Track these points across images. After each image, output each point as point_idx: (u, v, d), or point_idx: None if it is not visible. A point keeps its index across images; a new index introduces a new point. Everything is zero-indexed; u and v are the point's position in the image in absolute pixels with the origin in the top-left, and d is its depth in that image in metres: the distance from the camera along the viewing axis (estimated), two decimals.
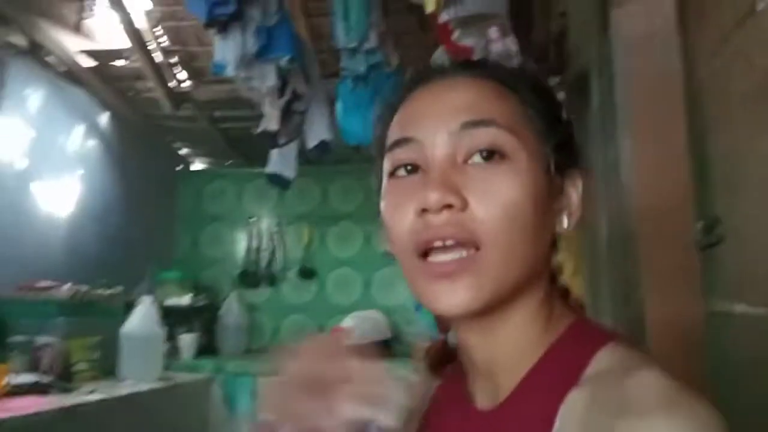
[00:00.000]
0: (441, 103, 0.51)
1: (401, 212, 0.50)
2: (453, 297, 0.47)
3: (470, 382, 0.56)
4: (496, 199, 0.47)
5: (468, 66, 0.56)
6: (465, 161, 0.49)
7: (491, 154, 0.49)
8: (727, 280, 1.01)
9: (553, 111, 0.55)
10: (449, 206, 0.47)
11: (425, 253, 0.49)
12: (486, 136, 0.49)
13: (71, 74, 2.82)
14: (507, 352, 0.51)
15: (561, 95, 2.47)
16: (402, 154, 0.51)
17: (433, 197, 0.47)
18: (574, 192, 0.55)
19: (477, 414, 0.53)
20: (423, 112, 0.51)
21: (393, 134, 0.53)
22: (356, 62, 2.10)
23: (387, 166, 0.53)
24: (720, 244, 1.03)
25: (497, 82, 0.53)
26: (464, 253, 0.48)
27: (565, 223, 0.54)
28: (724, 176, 1.01)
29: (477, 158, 0.49)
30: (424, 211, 0.48)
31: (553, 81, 2.30)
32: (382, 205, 0.53)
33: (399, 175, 0.52)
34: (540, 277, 0.53)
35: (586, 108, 1.93)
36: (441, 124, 0.50)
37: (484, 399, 0.53)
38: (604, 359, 0.46)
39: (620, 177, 1.41)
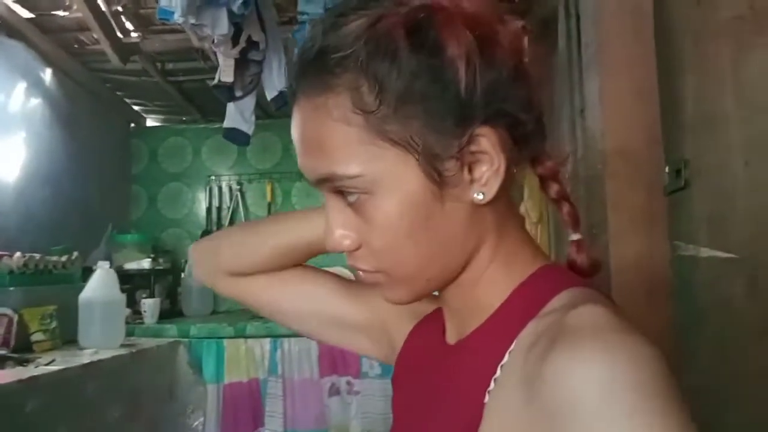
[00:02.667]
0: (296, 145, 0.51)
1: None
2: (387, 298, 0.53)
3: (446, 319, 0.58)
4: (378, 231, 0.47)
5: (309, 73, 0.47)
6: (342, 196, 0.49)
7: (351, 196, 0.48)
8: (693, 223, 1.00)
9: (428, 72, 0.44)
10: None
11: None
12: (338, 187, 0.48)
13: (7, 26, 2.62)
14: (474, 300, 0.53)
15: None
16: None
17: (328, 245, 0.50)
18: (483, 156, 0.46)
19: (443, 345, 0.56)
20: (296, 149, 0.51)
21: None
22: (314, 5, 1.98)
23: None
24: (687, 188, 1.02)
25: (337, 86, 0.45)
26: (378, 275, 0.51)
27: (480, 195, 0.47)
28: (694, 117, 0.98)
29: (348, 199, 0.49)
30: None
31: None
32: None
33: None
34: (476, 249, 0.51)
35: (552, 52, 1.88)
36: (304, 171, 0.50)
37: (453, 336, 0.56)
38: (563, 298, 0.46)
39: (586, 121, 1.39)
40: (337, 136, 0.45)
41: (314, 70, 0.46)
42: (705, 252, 0.93)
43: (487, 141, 0.46)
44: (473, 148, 0.46)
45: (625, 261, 1.17)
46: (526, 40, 0.49)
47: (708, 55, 0.91)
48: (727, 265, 0.85)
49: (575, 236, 0.54)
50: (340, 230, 0.49)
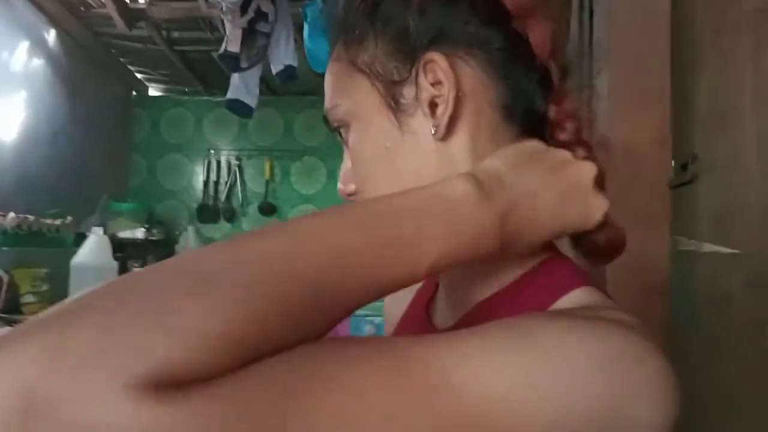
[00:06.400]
0: None
1: None
2: None
3: (436, 298, 0.57)
4: (357, 167, 0.49)
5: (332, 26, 0.51)
6: None
7: (338, 132, 0.50)
8: (697, 219, 0.99)
9: (383, 12, 0.46)
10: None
11: None
12: (332, 124, 0.51)
13: None
14: (467, 279, 0.49)
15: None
16: None
17: (339, 190, 0.52)
18: (434, 82, 0.45)
19: (432, 330, 0.54)
20: None
21: None
22: None
23: None
24: (693, 182, 1.01)
25: (342, 30, 0.50)
26: None
27: (433, 129, 0.45)
28: (708, 113, 0.97)
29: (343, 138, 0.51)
30: None
31: None
32: None
33: None
34: None
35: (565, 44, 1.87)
36: None
37: (442, 316, 0.54)
38: (565, 304, 0.41)
39: (593, 117, 1.38)
40: (334, 72, 0.50)
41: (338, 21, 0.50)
42: (707, 247, 0.92)
43: (438, 68, 0.44)
44: (430, 78, 0.45)
45: (621, 257, 1.16)
46: None
47: (727, 49, 0.90)
48: (729, 261, 0.84)
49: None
50: (343, 174, 0.51)
